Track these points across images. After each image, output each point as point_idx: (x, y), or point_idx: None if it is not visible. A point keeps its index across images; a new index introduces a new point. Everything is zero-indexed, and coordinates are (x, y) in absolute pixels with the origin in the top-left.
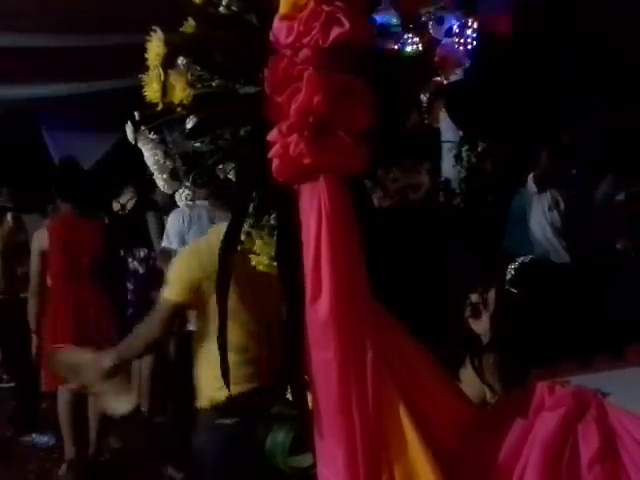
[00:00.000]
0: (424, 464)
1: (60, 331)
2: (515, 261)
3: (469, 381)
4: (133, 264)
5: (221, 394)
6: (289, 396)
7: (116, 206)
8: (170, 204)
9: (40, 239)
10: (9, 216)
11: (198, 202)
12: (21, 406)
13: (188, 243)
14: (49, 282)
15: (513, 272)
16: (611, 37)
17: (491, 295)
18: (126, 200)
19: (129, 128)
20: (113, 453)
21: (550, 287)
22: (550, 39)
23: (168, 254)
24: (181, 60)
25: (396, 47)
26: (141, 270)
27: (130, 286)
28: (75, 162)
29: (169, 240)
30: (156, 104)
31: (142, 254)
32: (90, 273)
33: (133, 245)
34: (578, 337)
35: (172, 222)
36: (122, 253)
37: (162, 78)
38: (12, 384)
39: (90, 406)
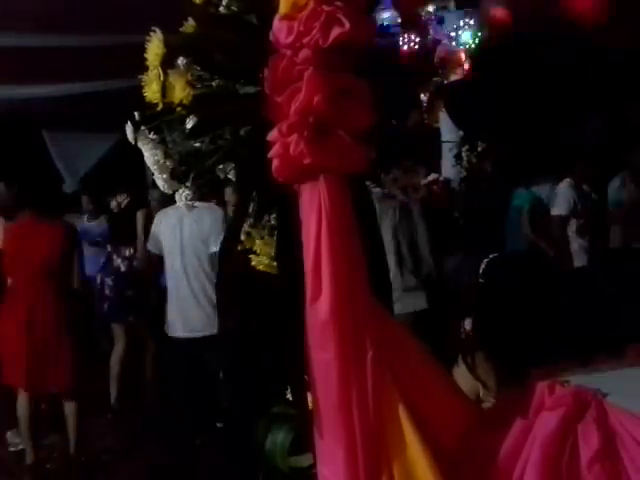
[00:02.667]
0: (424, 464)
1: (11, 329)
2: (488, 257)
3: (462, 379)
4: (117, 261)
5: None
6: (289, 396)
7: (114, 205)
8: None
9: None
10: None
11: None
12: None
13: (164, 247)
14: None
15: (484, 265)
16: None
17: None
18: (122, 199)
19: (129, 128)
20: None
21: (524, 282)
22: (550, 39)
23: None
24: (181, 60)
25: (396, 47)
26: (123, 268)
27: (109, 282)
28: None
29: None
30: (156, 104)
31: (127, 253)
32: (42, 275)
33: (121, 243)
34: (578, 337)
35: (154, 225)
36: (110, 249)
37: (162, 78)
38: None
39: (66, 406)
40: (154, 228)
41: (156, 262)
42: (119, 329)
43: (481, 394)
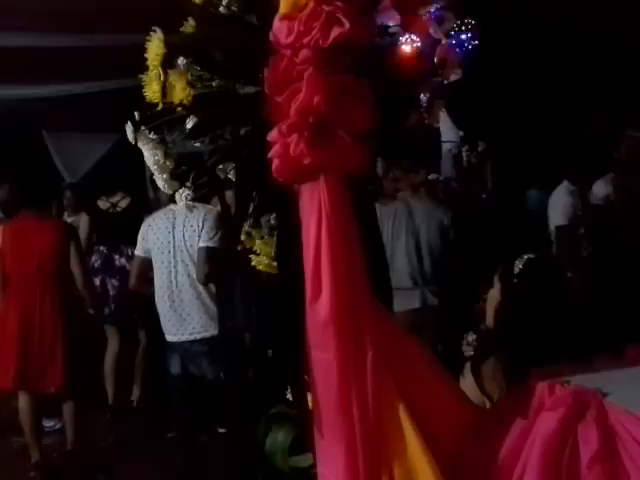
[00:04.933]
0: (424, 464)
1: (6, 328)
2: (522, 257)
3: (468, 391)
4: (120, 261)
5: None
6: (289, 396)
7: (105, 205)
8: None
9: None
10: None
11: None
12: None
13: (151, 250)
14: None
15: (522, 266)
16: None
17: (492, 292)
18: (118, 199)
19: (129, 128)
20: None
21: (556, 284)
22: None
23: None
24: (181, 60)
25: (396, 47)
26: (128, 267)
27: (115, 282)
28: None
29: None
30: (156, 104)
31: (130, 252)
32: (40, 274)
33: (121, 243)
34: (578, 337)
35: (141, 229)
36: (106, 251)
37: (162, 78)
38: None
39: (65, 406)
40: (142, 232)
41: (147, 266)
42: (112, 329)
43: (487, 407)
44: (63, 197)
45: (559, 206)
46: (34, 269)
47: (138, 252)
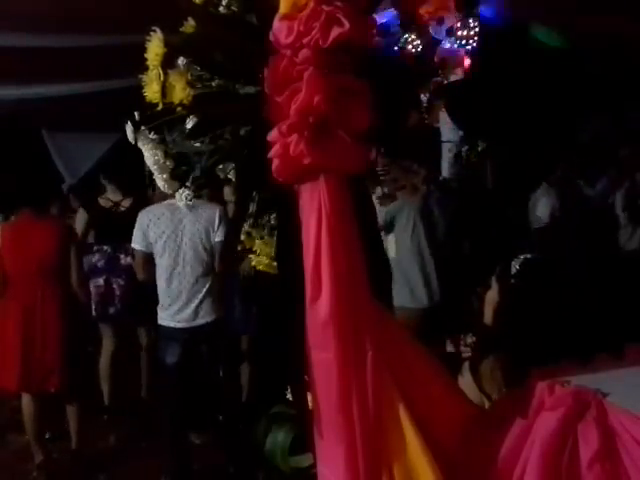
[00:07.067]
0: (424, 464)
1: (7, 329)
2: (518, 257)
3: (467, 390)
4: (125, 260)
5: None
6: (289, 396)
7: (107, 203)
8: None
9: None
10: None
11: (164, 202)
12: None
13: (153, 244)
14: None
15: (518, 267)
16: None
17: (490, 293)
18: (119, 198)
19: (129, 128)
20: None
21: (553, 284)
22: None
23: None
24: (181, 60)
25: (396, 47)
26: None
27: (121, 282)
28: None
29: (135, 241)
30: (156, 104)
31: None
32: (39, 275)
33: (127, 242)
34: (578, 337)
35: (137, 224)
36: (110, 250)
37: (162, 78)
38: None
39: (68, 408)
40: (142, 226)
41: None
42: (107, 328)
43: (486, 406)
44: (68, 199)
45: (537, 208)
46: (34, 269)
47: None
